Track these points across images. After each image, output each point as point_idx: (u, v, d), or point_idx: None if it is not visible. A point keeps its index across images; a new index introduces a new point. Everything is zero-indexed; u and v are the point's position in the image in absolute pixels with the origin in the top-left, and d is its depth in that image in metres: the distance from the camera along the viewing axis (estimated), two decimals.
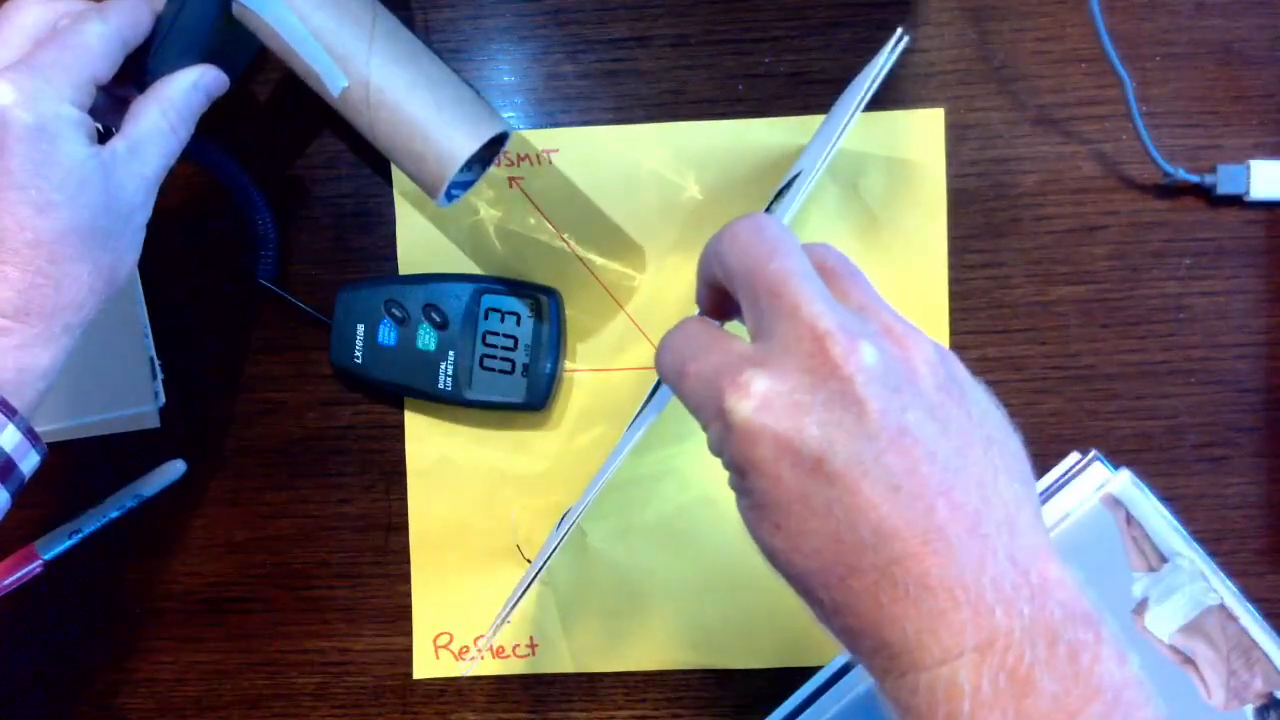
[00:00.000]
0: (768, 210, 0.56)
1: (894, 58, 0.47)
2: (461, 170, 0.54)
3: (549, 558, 0.51)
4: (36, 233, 0.46)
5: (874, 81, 0.46)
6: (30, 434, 0.48)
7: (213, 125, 0.55)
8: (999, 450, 0.35)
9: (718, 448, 0.36)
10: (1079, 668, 0.31)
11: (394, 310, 0.60)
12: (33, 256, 0.46)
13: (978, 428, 0.34)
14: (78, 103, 0.47)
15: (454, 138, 0.53)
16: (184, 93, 0.52)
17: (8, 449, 0.47)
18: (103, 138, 0.49)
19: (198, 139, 0.53)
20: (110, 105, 0.52)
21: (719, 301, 0.40)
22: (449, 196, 0.56)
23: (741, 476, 0.35)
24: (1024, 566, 0.32)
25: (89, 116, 0.48)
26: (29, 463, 0.48)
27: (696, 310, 0.42)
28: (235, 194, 0.61)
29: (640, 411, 0.56)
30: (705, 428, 0.37)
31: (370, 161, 0.62)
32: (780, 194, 0.55)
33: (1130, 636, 0.52)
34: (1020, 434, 0.36)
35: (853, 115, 0.45)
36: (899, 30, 0.47)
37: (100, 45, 0.48)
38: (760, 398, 0.34)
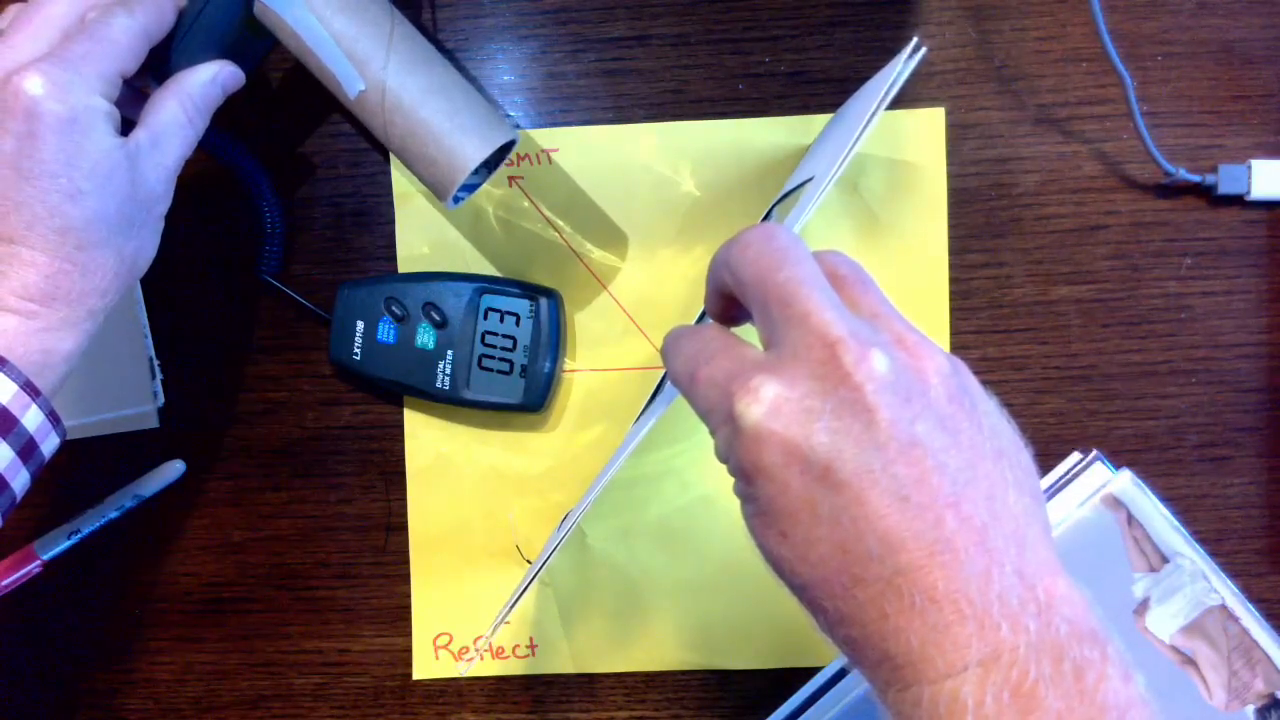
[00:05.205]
0: (768, 214, 0.56)
1: (910, 68, 0.46)
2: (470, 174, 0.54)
3: (548, 557, 0.51)
4: (65, 220, 0.47)
5: (889, 91, 0.45)
6: (52, 416, 0.49)
7: (215, 124, 0.54)
8: (1009, 464, 0.34)
9: (725, 453, 0.36)
10: (1084, 686, 0.31)
11: (394, 308, 0.60)
12: (61, 243, 0.47)
13: (988, 440, 0.34)
14: (106, 95, 0.48)
15: (465, 144, 0.53)
16: (202, 86, 0.52)
17: (31, 429, 0.48)
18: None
19: (209, 128, 0.54)
20: (127, 96, 0.52)
21: (729, 308, 0.40)
22: (455, 199, 0.56)
23: (748, 483, 0.35)
24: (1031, 582, 0.32)
25: (115, 108, 0.49)
26: (49, 444, 0.49)
27: (698, 311, 0.42)
28: (243, 183, 0.61)
29: (645, 409, 0.56)
30: (713, 432, 0.36)
31: (370, 161, 0.62)
32: (783, 199, 0.54)
33: (1131, 637, 0.52)
34: (1030, 447, 0.36)
35: (867, 125, 0.45)
36: (915, 40, 0.47)
37: (127, 39, 0.49)
38: (769, 403, 0.33)
